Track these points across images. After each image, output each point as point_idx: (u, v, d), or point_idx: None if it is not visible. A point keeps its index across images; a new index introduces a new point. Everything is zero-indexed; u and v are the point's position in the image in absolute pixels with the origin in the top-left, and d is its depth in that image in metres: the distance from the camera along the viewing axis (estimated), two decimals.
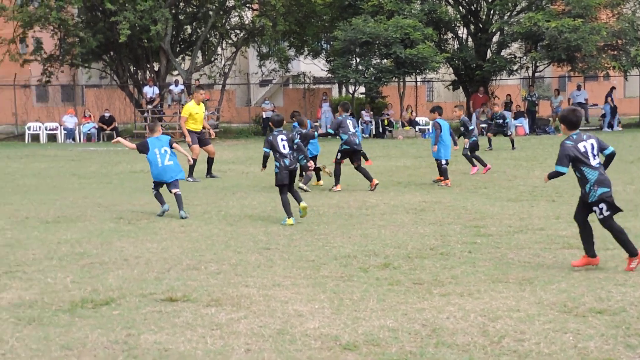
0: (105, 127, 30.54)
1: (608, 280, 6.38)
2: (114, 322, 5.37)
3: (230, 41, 33.33)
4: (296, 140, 10.06)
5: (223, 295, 6.09)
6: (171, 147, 10.57)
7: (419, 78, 33.96)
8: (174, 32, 31.24)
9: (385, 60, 28.86)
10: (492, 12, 31.85)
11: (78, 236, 8.85)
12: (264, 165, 10.25)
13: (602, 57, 29.38)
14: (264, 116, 31.49)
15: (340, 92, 38.57)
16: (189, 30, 33.64)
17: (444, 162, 13.51)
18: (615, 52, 29.65)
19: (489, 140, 21.18)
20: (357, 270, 6.97)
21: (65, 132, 30.43)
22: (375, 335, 5.01)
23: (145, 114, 29.74)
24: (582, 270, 6.74)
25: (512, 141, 21.16)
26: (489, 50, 32.14)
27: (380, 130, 29.80)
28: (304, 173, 13.08)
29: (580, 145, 6.71)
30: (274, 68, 35.32)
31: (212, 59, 33.56)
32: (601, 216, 6.74)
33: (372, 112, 30.64)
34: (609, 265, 6.95)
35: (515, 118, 29.17)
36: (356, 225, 9.46)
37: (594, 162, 6.70)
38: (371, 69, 28.85)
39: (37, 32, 30.72)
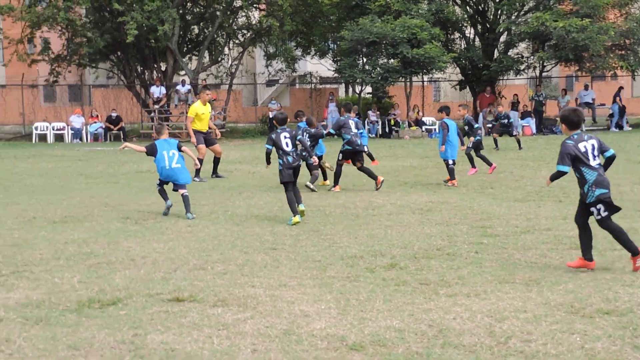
0: (112, 127, 30.60)
1: (615, 281, 6.35)
2: (121, 322, 5.39)
3: (237, 41, 33.36)
4: (299, 137, 10.07)
5: (230, 295, 6.10)
6: (180, 151, 10.58)
7: (425, 78, 33.91)
8: (181, 32, 31.29)
9: (392, 60, 28.86)
10: (499, 12, 31.82)
11: (85, 236, 8.87)
12: (268, 162, 10.43)
13: (610, 56, 29.31)
14: (271, 116, 31.52)
15: (347, 92, 38.55)
16: (196, 31, 33.70)
17: (450, 162, 13.51)
18: (623, 52, 29.58)
19: (495, 141, 21.13)
20: (364, 270, 6.96)
21: (73, 132, 30.49)
22: (381, 336, 5.00)
23: (152, 114, 29.82)
24: (589, 271, 6.72)
25: (519, 141, 21.08)
26: (496, 50, 32.11)
27: (387, 130, 29.80)
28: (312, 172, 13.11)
29: (581, 145, 6.69)
30: (281, 68, 35.40)
31: (219, 59, 33.61)
32: (599, 217, 6.72)
33: (378, 112, 30.64)
34: (616, 266, 6.93)
35: (523, 118, 29.12)
36: (362, 225, 9.45)
37: (593, 162, 6.68)
38: (378, 68, 28.85)
39: (44, 32, 30.82)
